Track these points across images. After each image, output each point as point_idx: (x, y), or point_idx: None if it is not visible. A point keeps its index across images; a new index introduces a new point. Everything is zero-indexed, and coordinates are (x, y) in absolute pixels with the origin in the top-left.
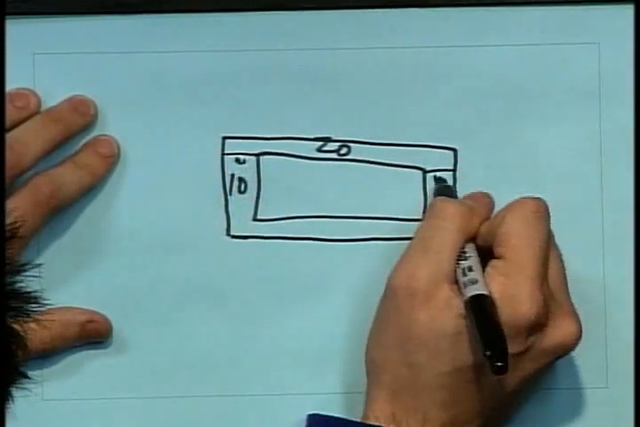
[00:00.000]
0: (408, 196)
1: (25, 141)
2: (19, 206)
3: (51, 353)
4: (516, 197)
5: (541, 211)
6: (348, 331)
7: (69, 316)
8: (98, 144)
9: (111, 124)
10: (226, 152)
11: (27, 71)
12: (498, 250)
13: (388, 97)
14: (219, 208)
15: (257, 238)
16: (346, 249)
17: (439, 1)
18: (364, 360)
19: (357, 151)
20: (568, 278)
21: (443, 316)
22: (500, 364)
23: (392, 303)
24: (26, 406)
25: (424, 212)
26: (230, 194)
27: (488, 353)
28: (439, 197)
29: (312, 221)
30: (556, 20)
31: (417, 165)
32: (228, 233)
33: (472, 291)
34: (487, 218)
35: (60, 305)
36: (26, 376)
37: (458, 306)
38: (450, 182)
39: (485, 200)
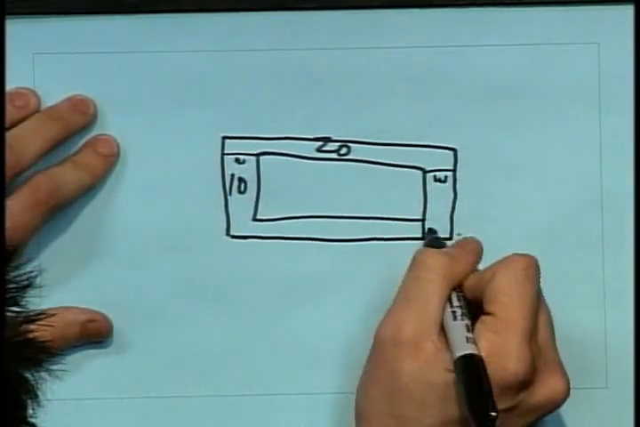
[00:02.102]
0: (408, 196)
1: (25, 141)
2: (18, 205)
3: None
4: (516, 196)
5: (532, 268)
6: (347, 330)
7: (70, 315)
8: (97, 144)
9: (111, 124)
10: (226, 152)
11: (26, 71)
12: (487, 305)
13: (388, 97)
14: (218, 208)
15: (256, 238)
16: (345, 249)
17: (439, 1)
18: (363, 359)
19: (357, 151)
20: (567, 277)
21: (430, 368)
22: None
23: (379, 355)
24: None
25: (424, 212)
26: (230, 194)
27: (474, 416)
28: (421, 249)
29: (312, 221)
30: (555, 20)
31: (417, 164)
32: (227, 233)
33: (462, 350)
34: (475, 264)
35: (60, 305)
36: None
37: (445, 360)
38: (449, 185)
39: (472, 246)
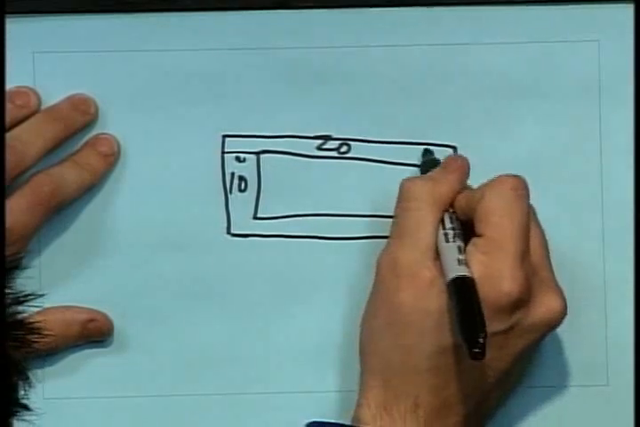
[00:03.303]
0: None
1: (26, 140)
2: (19, 205)
3: (51, 353)
4: None
5: (520, 188)
6: (347, 329)
7: (70, 315)
8: (98, 143)
9: (111, 123)
10: (226, 150)
11: (27, 70)
12: (478, 226)
13: (388, 95)
14: (219, 206)
15: (257, 237)
16: (346, 247)
17: (439, 0)
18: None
19: (357, 149)
20: (567, 276)
21: (427, 295)
22: (476, 350)
23: (379, 288)
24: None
25: None
26: (230, 192)
27: (465, 339)
28: (405, 178)
29: (312, 219)
30: (555, 18)
31: (417, 162)
32: (228, 231)
33: (453, 272)
34: (461, 182)
35: (60, 304)
36: (27, 408)
37: (441, 284)
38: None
39: (456, 165)
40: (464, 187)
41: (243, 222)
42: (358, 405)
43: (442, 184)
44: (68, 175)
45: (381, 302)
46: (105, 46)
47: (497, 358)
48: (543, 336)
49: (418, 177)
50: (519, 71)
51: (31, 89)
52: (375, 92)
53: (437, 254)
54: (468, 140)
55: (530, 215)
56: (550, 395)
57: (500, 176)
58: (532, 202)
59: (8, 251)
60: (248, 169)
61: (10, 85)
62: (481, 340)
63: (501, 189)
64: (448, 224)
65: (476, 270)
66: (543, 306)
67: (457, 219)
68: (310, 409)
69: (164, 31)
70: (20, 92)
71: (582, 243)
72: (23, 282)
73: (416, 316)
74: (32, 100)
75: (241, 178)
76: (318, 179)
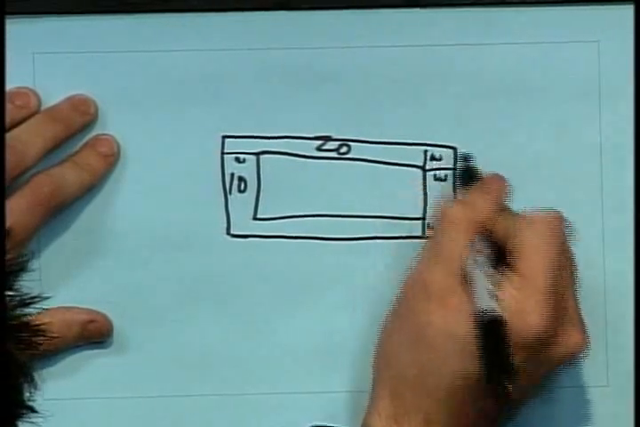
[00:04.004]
0: (408, 194)
1: (26, 141)
2: (19, 206)
3: (51, 353)
4: (516, 195)
5: (558, 225)
6: (347, 329)
7: (70, 316)
8: (98, 143)
9: (111, 124)
10: (226, 151)
11: (26, 71)
12: (512, 260)
13: (388, 96)
14: (219, 207)
15: (257, 237)
16: (346, 248)
17: (439, 0)
18: (363, 359)
19: (357, 150)
20: None
21: (455, 320)
22: (500, 390)
23: (406, 305)
24: None
25: (424, 210)
26: (230, 193)
27: (489, 379)
28: (443, 201)
29: (312, 220)
30: (556, 19)
31: (417, 163)
32: (228, 232)
33: (484, 303)
34: (498, 205)
35: (60, 305)
36: (33, 410)
37: (470, 311)
38: (450, 183)
39: (495, 185)
40: (503, 208)
41: (242, 223)
42: (368, 412)
43: (478, 209)
44: (67, 176)
45: (406, 319)
46: (105, 47)
47: (514, 387)
48: (559, 367)
49: (456, 200)
50: (519, 71)
51: (31, 89)
52: (375, 93)
53: (468, 279)
54: (468, 140)
55: (565, 253)
56: (550, 395)
57: (539, 211)
58: (532, 202)
59: (8, 252)
60: (248, 170)
61: (10, 86)
62: (506, 384)
63: (539, 228)
64: (479, 249)
65: (507, 305)
66: (566, 340)
67: (491, 242)
68: (310, 410)
69: (164, 32)
70: (20, 92)
71: (582, 243)
72: (27, 284)
73: (442, 338)
74: (32, 100)
75: (240, 179)
76: (318, 180)
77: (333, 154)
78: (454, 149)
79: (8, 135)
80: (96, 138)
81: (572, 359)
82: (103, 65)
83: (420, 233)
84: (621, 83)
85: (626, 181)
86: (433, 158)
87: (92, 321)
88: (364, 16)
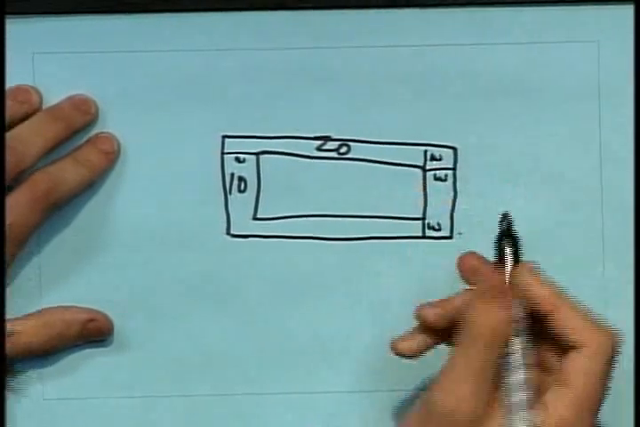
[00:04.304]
0: (408, 194)
1: (27, 141)
2: (18, 203)
3: (51, 352)
4: (516, 195)
5: (617, 349)
6: (347, 329)
7: (70, 315)
8: (99, 141)
9: (111, 124)
10: (226, 151)
11: (26, 71)
12: (565, 379)
13: (388, 96)
14: (219, 207)
15: (257, 237)
16: (346, 248)
17: (439, 0)
18: (363, 359)
19: (357, 150)
20: (568, 277)
21: None
22: None
23: (432, 422)
24: (26, 405)
25: (424, 210)
26: (230, 193)
27: None
28: (471, 305)
29: (312, 220)
30: (555, 19)
31: (417, 163)
32: (227, 232)
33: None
34: (503, 284)
35: (60, 304)
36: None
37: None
38: (450, 183)
39: (496, 281)
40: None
41: (242, 223)
42: None
43: (507, 324)
44: (66, 172)
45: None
46: (105, 47)
47: None
48: None
49: (483, 308)
50: (519, 71)
51: (32, 87)
52: (375, 93)
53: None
54: (468, 141)
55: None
56: None
57: (602, 332)
58: (532, 202)
59: (7, 249)
60: (248, 170)
61: (10, 85)
62: None
63: (600, 351)
64: (514, 347)
65: (555, 422)
66: None
67: (522, 340)
68: (311, 410)
69: (164, 31)
70: (22, 89)
71: (582, 243)
72: (27, 283)
73: None
74: (33, 97)
75: (240, 178)
76: (318, 180)
77: (333, 154)
78: (454, 148)
79: (8, 135)
80: (97, 135)
81: None
82: (103, 65)
83: (420, 233)
84: (621, 83)
85: (626, 181)
86: (433, 158)
87: (91, 320)
88: (364, 16)
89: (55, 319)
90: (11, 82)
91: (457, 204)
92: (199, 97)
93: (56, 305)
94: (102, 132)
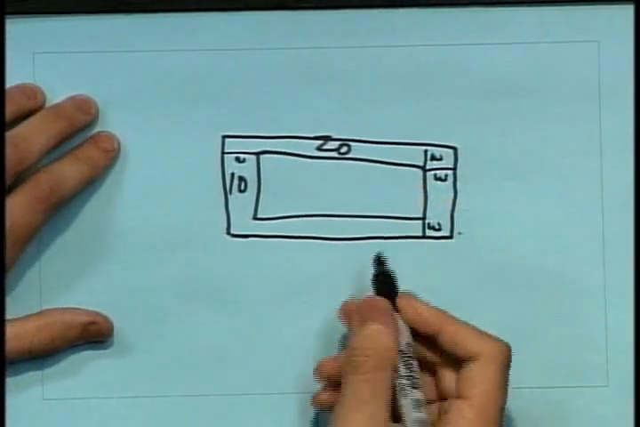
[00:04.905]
0: (408, 194)
1: (29, 138)
2: (19, 204)
3: (51, 354)
4: (516, 195)
5: (509, 357)
6: (347, 330)
7: (70, 317)
8: (99, 139)
9: (111, 123)
10: (226, 151)
11: (27, 70)
12: (463, 391)
13: (388, 96)
14: (219, 207)
15: (257, 237)
16: (346, 248)
17: (439, 0)
18: None
19: (357, 150)
20: (568, 277)
21: None
22: None
23: None
24: (26, 405)
25: (424, 210)
26: (230, 193)
27: None
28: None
29: (312, 219)
30: (555, 19)
31: (417, 163)
32: (228, 232)
33: None
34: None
35: (60, 305)
36: None
37: None
38: (450, 183)
39: (377, 302)
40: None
41: (242, 223)
42: None
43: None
44: (67, 171)
45: None
46: (105, 46)
47: None
48: None
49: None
50: (519, 71)
51: (35, 85)
52: (375, 92)
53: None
54: (467, 140)
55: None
56: (550, 396)
57: (491, 343)
58: (531, 202)
59: (9, 251)
60: (248, 169)
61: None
62: None
63: (493, 359)
64: (402, 371)
65: None
66: None
67: (410, 360)
68: (311, 410)
69: (164, 31)
70: (28, 86)
71: (582, 243)
72: (27, 286)
73: None
74: (39, 94)
75: (241, 178)
76: (318, 179)
77: (333, 154)
78: (454, 148)
79: (11, 132)
80: (97, 134)
81: None
82: (103, 65)
83: (420, 233)
84: (621, 83)
85: (626, 181)
86: (433, 158)
87: (92, 323)
88: (364, 16)
89: (55, 321)
90: (11, 81)
91: (457, 204)
92: (199, 97)
93: (56, 307)
94: (103, 131)
